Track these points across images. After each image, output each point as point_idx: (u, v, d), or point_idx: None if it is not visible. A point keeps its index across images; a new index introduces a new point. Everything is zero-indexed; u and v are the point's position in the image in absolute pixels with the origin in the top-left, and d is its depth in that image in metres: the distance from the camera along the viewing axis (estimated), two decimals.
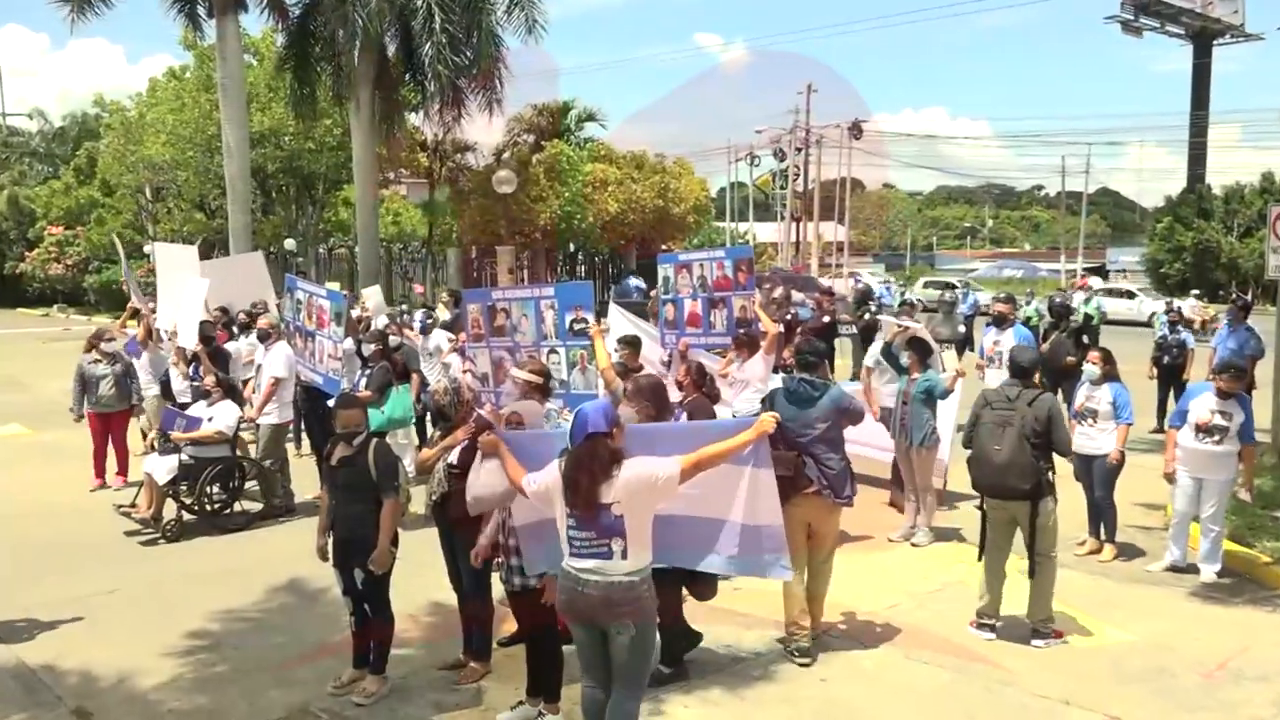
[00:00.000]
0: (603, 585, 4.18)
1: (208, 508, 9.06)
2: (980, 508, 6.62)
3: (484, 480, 5.02)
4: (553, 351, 7.93)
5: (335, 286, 18.07)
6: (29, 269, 41.42)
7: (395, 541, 5.64)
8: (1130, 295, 35.87)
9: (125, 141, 34.25)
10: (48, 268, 40.78)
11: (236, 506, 9.30)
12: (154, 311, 12.23)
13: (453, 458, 5.67)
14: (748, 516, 4.79)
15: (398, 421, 9.14)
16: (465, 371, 8.65)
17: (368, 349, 9.49)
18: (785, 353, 8.88)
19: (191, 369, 11.06)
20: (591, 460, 4.18)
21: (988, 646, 6.34)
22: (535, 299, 8.12)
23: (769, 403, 6.55)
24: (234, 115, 23.72)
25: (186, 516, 8.91)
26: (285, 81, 26.72)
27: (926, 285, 41.62)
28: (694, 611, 6.35)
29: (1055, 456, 6.38)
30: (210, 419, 9.08)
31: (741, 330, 9.47)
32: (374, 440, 5.75)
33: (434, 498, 5.77)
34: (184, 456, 8.86)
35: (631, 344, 8.68)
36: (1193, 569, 7.62)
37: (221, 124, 24.65)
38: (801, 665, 6.06)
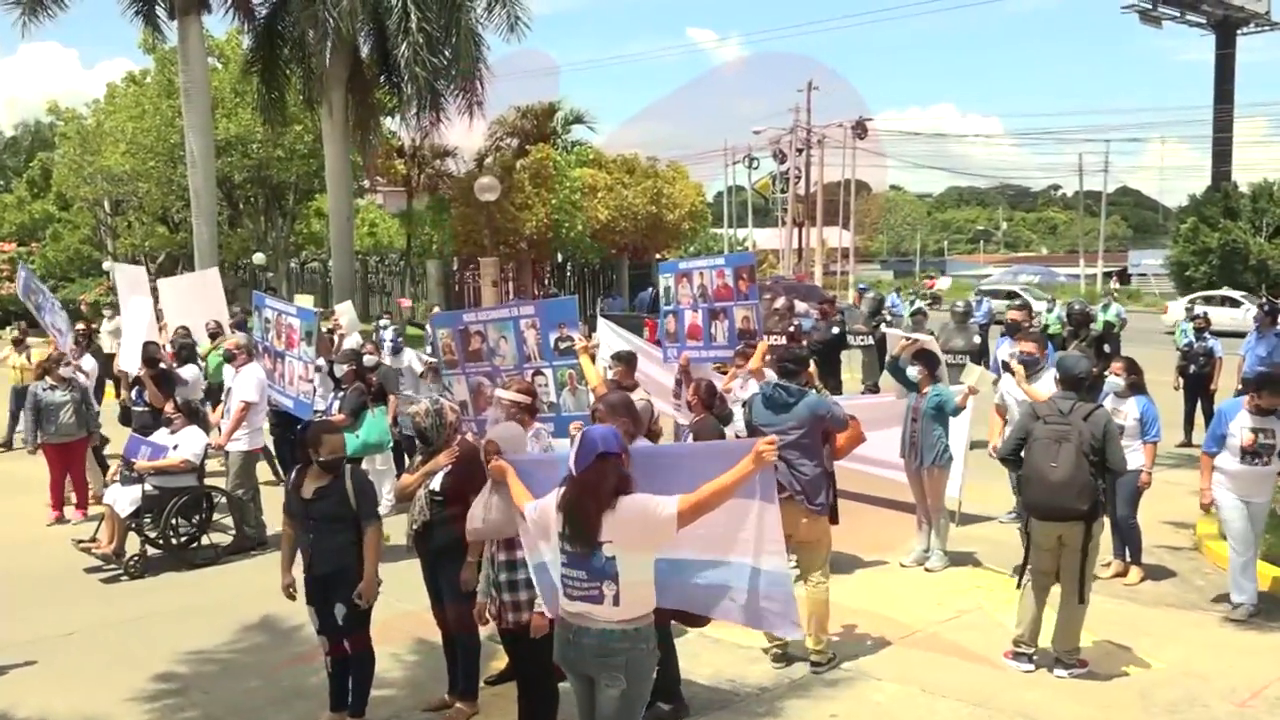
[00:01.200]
0: (594, 633, 4.10)
1: (173, 541, 9.02)
2: (1025, 530, 6.60)
3: (493, 516, 4.97)
4: (538, 373, 7.89)
5: (309, 301, 18.03)
6: None
7: (376, 572, 5.64)
8: (1234, 304, 31.88)
9: (82, 152, 34.24)
10: (0, 287, 40.73)
11: (205, 540, 9.27)
12: (94, 336, 12.18)
13: (435, 484, 5.68)
14: (755, 558, 4.61)
15: (373, 446, 9.15)
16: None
17: (340, 369, 9.49)
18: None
19: (134, 394, 11.05)
20: (599, 485, 4.06)
21: (1008, 679, 6.34)
22: (514, 319, 8.04)
23: (748, 408, 6.90)
24: (198, 122, 23.79)
25: (151, 551, 8.89)
26: (252, 85, 26.82)
27: (980, 295, 38.87)
28: (695, 643, 6.36)
29: None
30: (175, 446, 9.07)
31: (745, 343, 9.49)
32: (350, 467, 5.76)
33: (415, 527, 5.77)
34: (148, 487, 8.83)
35: (625, 360, 8.69)
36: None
37: (185, 132, 24.72)
38: (777, 668, 6.44)
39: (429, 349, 13.14)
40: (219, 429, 9.86)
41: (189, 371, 11.32)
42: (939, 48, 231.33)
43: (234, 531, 9.43)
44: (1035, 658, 6.48)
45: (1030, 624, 6.48)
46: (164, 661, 6.80)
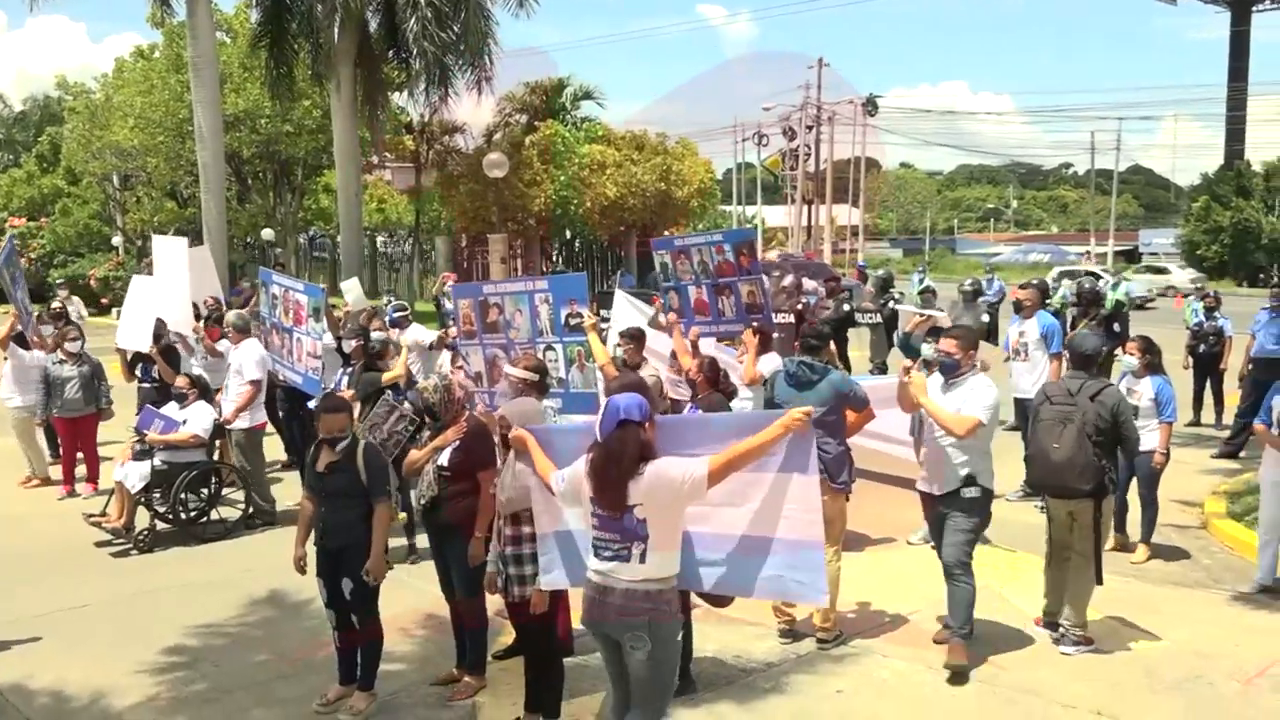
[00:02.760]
0: (618, 592, 4.18)
1: (182, 516, 9.07)
2: (1042, 508, 6.62)
3: (516, 481, 5.05)
4: (549, 348, 7.94)
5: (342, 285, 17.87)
6: None
7: (384, 549, 5.67)
8: None
9: (91, 126, 34.27)
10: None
11: (213, 514, 9.32)
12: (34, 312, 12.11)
13: (443, 459, 5.69)
14: (787, 530, 4.51)
15: None
16: (458, 369, 8.64)
17: (348, 345, 9.48)
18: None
19: (140, 370, 11.06)
20: (621, 452, 4.15)
21: (1014, 656, 6.36)
22: (529, 293, 8.12)
23: (769, 385, 6.89)
24: (206, 97, 23.76)
25: (160, 525, 8.93)
26: (261, 60, 26.79)
27: (1062, 275, 31.67)
28: (702, 619, 6.38)
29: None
30: (184, 421, 9.09)
31: (755, 320, 9.45)
32: (362, 442, 5.78)
33: (423, 502, 5.80)
34: (157, 462, 8.87)
35: (634, 338, 8.65)
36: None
37: (193, 106, 24.70)
38: (783, 644, 6.47)
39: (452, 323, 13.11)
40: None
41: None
42: (950, 24, 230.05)
43: (243, 506, 9.47)
44: (1065, 628, 6.49)
45: (1055, 593, 6.54)
46: (174, 635, 6.85)
